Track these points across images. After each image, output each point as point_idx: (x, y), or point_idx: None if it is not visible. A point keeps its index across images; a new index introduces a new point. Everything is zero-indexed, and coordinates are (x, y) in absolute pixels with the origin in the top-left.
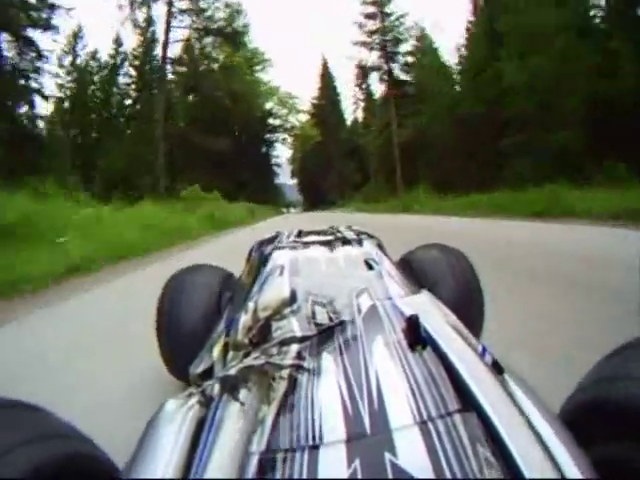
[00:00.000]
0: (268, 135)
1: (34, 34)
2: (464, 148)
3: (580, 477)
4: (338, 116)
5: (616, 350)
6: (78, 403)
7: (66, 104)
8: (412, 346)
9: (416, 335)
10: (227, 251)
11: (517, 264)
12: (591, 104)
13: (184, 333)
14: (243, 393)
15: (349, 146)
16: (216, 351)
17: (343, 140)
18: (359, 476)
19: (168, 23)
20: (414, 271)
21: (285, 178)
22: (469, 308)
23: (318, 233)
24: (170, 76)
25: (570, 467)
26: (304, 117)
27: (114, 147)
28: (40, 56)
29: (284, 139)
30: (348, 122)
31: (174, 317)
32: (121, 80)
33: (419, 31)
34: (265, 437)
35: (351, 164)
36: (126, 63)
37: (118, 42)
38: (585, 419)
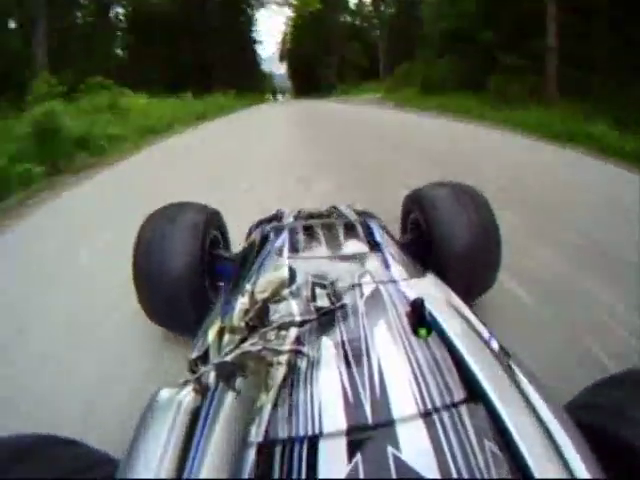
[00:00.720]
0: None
1: None
2: None
3: (588, 476)
4: None
5: (602, 379)
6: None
7: None
8: (416, 331)
9: (420, 320)
10: None
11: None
12: None
13: (165, 279)
14: (240, 381)
15: (353, 29)
16: (211, 335)
17: (345, 23)
18: (361, 471)
19: None
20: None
21: (272, 66)
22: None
23: (319, 213)
24: None
25: (577, 463)
26: None
27: None
28: None
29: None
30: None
31: (154, 261)
32: None
33: None
34: (263, 427)
35: (356, 45)
36: None
37: None
38: None
